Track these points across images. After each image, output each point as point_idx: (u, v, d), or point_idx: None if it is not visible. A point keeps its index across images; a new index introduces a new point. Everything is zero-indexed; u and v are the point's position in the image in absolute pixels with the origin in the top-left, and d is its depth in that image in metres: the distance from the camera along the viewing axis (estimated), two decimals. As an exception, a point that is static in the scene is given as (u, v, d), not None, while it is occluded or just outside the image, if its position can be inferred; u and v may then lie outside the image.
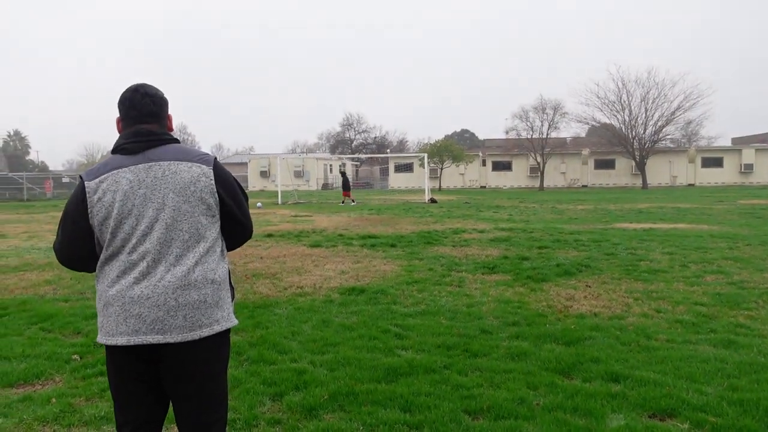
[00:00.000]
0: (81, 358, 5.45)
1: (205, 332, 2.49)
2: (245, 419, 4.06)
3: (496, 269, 9.90)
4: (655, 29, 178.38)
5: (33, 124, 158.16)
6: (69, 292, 8.46)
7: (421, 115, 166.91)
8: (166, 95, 2.68)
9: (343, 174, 35.85)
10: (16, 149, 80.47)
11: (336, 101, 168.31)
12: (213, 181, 2.52)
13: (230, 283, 2.68)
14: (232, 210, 2.61)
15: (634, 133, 59.07)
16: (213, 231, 2.56)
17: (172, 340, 2.43)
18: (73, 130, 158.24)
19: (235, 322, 2.64)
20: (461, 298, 7.77)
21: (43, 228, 19.41)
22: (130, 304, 2.42)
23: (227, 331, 2.64)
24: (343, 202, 33.16)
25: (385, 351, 5.52)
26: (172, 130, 2.69)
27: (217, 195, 2.54)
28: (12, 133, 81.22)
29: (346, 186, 34.21)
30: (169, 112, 2.70)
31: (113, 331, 2.45)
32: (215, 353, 2.57)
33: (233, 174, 2.74)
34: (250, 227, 2.77)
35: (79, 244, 2.54)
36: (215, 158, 2.62)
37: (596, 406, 4.18)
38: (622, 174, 63.28)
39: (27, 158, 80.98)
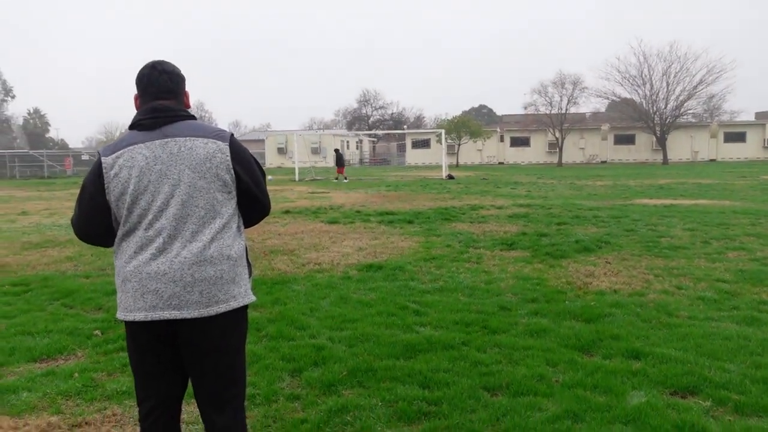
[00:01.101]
0: (102, 333, 5.51)
1: (222, 308, 2.48)
2: (265, 394, 4.09)
3: (515, 246, 9.85)
4: (677, 2, 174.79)
5: (52, 102, 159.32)
6: (90, 269, 8.55)
7: (439, 91, 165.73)
8: (183, 72, 2.66)
9: (337, 151, 37.87)
10: (35, 127, 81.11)
11: (353, 77, 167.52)
12: (229, 157, 2.50)
13: (247, 259, 2.65)
14: (249, 186, 2.58)
15: (655, 107, 58.25)
16: (229, 207, 2.53)
17: (188, 316, 2.43)
18: (92, 108, 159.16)
19: (253, 298, 2.62)
20: (479, 275, 7.74)
21: (63, 205, 19.61)
22: (147, 279, 2.43)
23: (244, 308, 2.62)
24: (336, 179, 34.25)
25: (403, 327, 5.52)
26: (189, 106, 2.67)
27: (233, 171, 2.51)
28: (32, 111, 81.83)
29: (340, 163, 35.82)
30: (187, 89, 2.67)
31: (131, 306, 2.46)
32: (232, 330, 2.57)
33: (250, 151, 2.69)
34: (267, 204, 2.73)
35: (97, 220, 2.55)
36: (232, 134, 2.59)
37: (617, 384, 4.15)
38: (642, 149, 62.54)
39: (47, 136, 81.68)
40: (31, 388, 4.27)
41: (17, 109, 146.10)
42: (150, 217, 2.44)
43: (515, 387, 4.12)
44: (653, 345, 4.92)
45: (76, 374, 4.51)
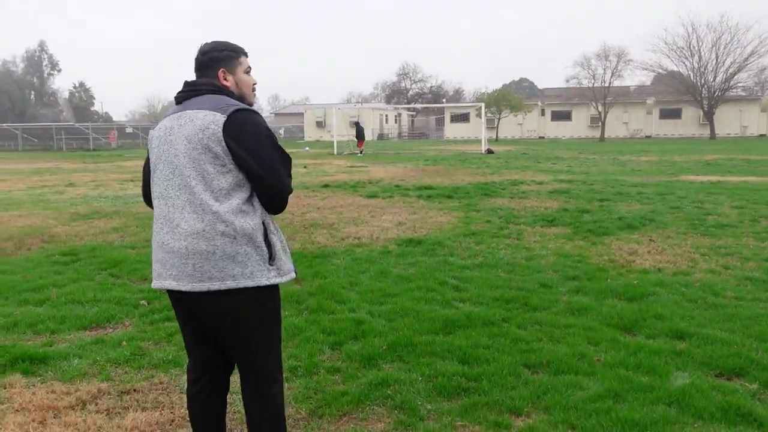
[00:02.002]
0: (148, 303, 5.65)
1: (215, 285, 2.44)
2: (306, 366, 4.15)
3: (556, 222, 9.73)
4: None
5: (96, 76, 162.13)
6: (135, 240, 8.75)
7: (479, 63, 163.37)
8: (226, 52, 2.65)
9: (357, 124, 38.09)
10: (81, 100, 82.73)
11: (392, 50, 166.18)
12: (220, 129, 2.43)
13: (266, 240, 2.53)
14: (247, 162, 2.45)
15: (703, 80, 56.45)
16: (223, 182, 2.45)
17: (183, 288, 2.48)
18: (136, 82, 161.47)
19: (263, 282, 2.50)
20: (520, 251, 7.68)
21: (109, 177, 20.04)
22: (157, 249, 2.57)
23: (259, 290, 2.52)
24: (361, 152, 34.35)
25: (442, 303, 5.53)
26: (223, 84, 2.62)
27: (224, 144, 2.44)
28: (77, 84, 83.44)
29: (360, 135, 35.99)
30: (227, 68, 2.65)
31: (153, 275, 2.64)
32: (239, 311, 2.52)
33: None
34: (277, 186, 2.52)
35: (147, 189, 2.75)
36: (241, 109, 2.49)
37: (660, 364, 4.09)
38: (688, 124, 60.86)
39: (91, 109, 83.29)
40: (82, 355, 4.41)
41: (63, 83, 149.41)
42: (162, 186, 2.56)
43: (556, 365, 4.09)
44: (698, 325, 4.83)
45: (124, 342, 4.64)
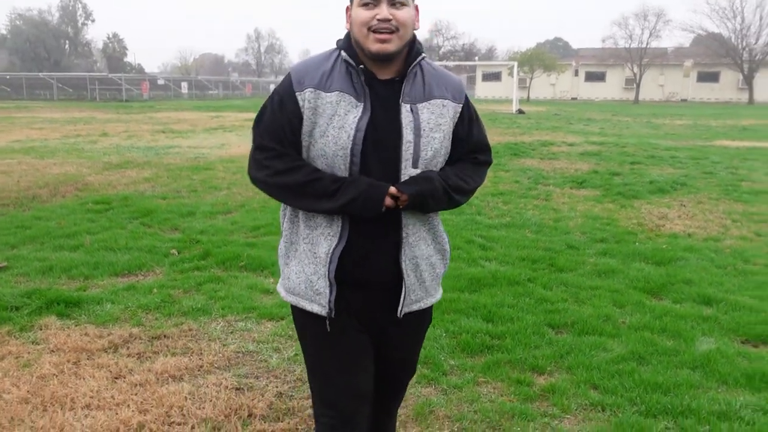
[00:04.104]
0: (178, 253, 5.75)
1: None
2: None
3: (585, 184, 9.62)
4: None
5: (130, 27, 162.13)
6: (166, 190, 8.86)
7: (513, 23, 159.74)
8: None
9: None
10: (114, 51, 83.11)
11: (424, 6, 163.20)
12: None
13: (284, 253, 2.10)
14: None
15: (744, 43, 54.72)
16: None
17: None
18: (169, 34, 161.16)
19: (278, 294, 2.17)
20: (548, 212, 7.63)
21: (141, 128, 20.22)
22: None
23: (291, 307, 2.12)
24: None
25: (468, 261, 5.53)
26: (346, 26, 1.99)
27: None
28: (111, 35, 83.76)
29: None
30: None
31: None
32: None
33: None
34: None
35: None
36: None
37: (686, 328, 4.08)
38: (726, 88, 59.19)
39: (124, 60, 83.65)
40: (114, 301, 4.53)
41: (97, 33, 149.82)
42: None
43: (580, 326, 4.10)
44: (727, 292, 4.79)
45: (155, 290, 4.75)
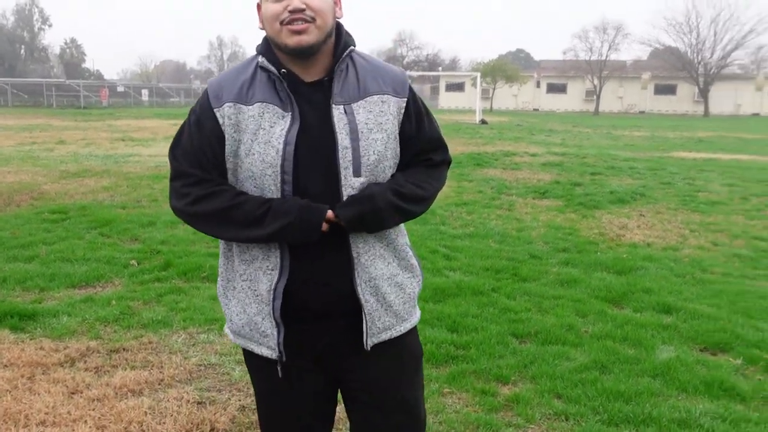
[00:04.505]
0: (138, 263, 5.63)
1: None
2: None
3: (548, 194, 9.74)
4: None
5: (89, 32, 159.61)
6: (126, 200, 8.69)
7: (476, 34, 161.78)
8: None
9: None
10: (72, 57, 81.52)
11: (388, 17, 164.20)
12: None
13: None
14: None
15: (699, 57, 56.30)
16: None
17: None
18: (129, 40, 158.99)
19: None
20: (511, 222, 7.69)
21: (100, 136, 19.83)
22: None
23: None
24: None
25: (433, 271, 5.54)
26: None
27: None
28: (68, 40, 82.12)
29: None
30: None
31: None
32: None
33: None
34: None
35: None
36: None
37: (646, 337, 4.14)
38: (683, 101, 60.76)
39: (83, 66, 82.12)
40: (71, 313, 4.40)
41: (54, 39, 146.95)
42: None
43: (544, 335, 4.13)
44: (686, 300, 4.88)
45: (114, 302, 4.63)
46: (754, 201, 9.45)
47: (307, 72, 1.70)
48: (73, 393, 3.31)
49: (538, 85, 65.20)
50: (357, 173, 1.67)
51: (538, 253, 6.24)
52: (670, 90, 61.24)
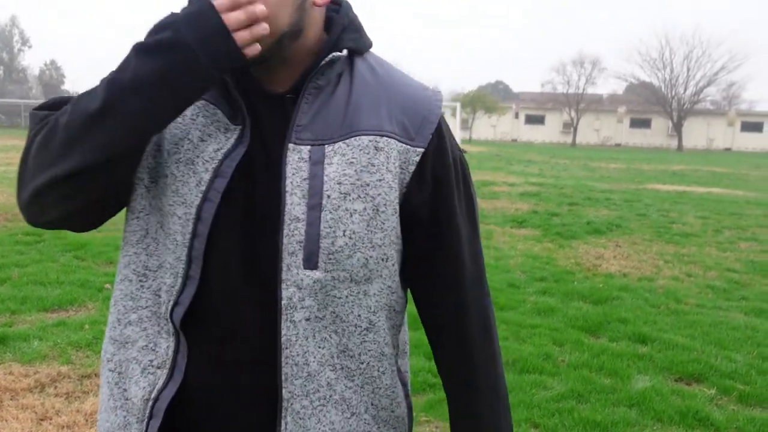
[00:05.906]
0: (112, 287, 5.55)
1: None
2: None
3: (525, 224, 9.82)
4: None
5: (69, 55, 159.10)
6: (101, 223, 8.59)
7: (455, 64, 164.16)
8: None
9: None
10: (51, 78, 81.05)
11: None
12: None
13: None
14: None
15: (673, 92, 57.68)
16: None
17: None
18: (109, 62, 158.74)
19: None
20: (489, 251, 7.73)
21: (76, 158, 19.63)
22: None
23: None
24: None
25: (410, 299, 5.52)
26: None
27: None
28: (48, 62, 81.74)
29: None
30: None
31: None
32: None
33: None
34: None
35: None
36: None
37: (622, 366, 4.16)
38: (657, 134, 61.99)
39: (62, 87, 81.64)
40: (42, 337, 4.32)
41: (33, 60, 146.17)
42: None
43: (521, 364, 4.13)
44: (660, 330, 4.92)
45: (87, 326, 4.55)
46: (726, 233, 9.61)
47: (273, 79, 1.02)
48: (42, 419, 3.23)
49: (516, 116, 66.11)
50: (310, 263, 0.97)
51: (516, 282, 6.27)
52: (645, 124, 62.47)
